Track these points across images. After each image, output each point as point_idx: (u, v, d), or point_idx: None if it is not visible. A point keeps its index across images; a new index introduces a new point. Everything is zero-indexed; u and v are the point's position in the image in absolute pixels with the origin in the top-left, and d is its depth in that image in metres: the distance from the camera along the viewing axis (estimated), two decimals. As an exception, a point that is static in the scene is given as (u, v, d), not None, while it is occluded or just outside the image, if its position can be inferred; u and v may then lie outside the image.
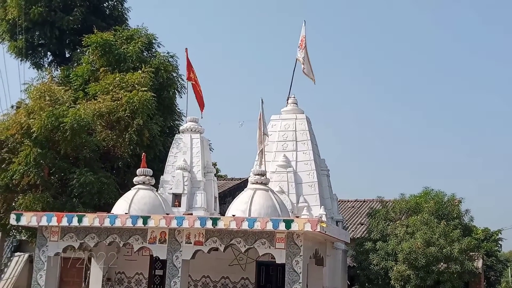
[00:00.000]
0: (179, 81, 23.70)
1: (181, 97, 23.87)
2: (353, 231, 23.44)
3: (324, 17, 68.26)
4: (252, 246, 14.50)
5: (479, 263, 20.13)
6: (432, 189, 20.70)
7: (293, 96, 20.39)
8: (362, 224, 24.18)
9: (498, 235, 28.21)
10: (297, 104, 20.24)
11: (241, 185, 25.95)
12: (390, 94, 68.61)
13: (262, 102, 17.76)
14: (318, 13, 67.38)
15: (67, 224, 15.16)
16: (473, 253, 19.40)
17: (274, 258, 14.44)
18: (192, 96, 20.08)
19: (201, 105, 20.03)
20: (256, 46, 71.82)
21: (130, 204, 16.11)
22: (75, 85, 22.44)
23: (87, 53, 23.05)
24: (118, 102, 20.24)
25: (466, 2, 68.41)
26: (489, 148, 65.78)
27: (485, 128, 67.11)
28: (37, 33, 25.48)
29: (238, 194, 16.92)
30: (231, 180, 30.46)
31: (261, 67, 69.14)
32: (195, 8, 71.56)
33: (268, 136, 18.61)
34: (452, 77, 69.22)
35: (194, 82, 19.96)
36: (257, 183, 16.19)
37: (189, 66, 19.82)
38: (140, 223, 14.71)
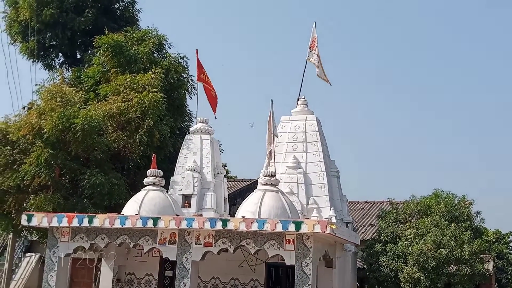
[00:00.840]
0: (189, 82, 23.81)
1: (192, 98, 23.99)
2: (363, 232, 23.38)
3: (334, 16, 68.13)
4: (261, 248, 14.50)
5: (490, 266, 20.02)
6: (443, 191, 20.58)
7: (303, 97, 20.38)
8: (372, 226, 24.11)
9: (509, 237, 28.03)
10: (307, 105, 20.23)
11: (251, 186, 25.97)
12: (401, 94, 68.36)
13: (272, 103, 17.78)
14: (328, 12, 67.22)
15: (77, 225, 15.25)
16: (484, 256, 19.30)
17: (284, 260, 14.44)
18: (203, 97, 20.15)
19: (214, 106, 20.05)
20: (266, 46, 71.83)
21: (140, 205, 16.20)
22: (86, 86, 22.56)
23: (98, 54, 23.15)
24: (129, 103, 20.32)
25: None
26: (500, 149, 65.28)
27: (494, 130, 66.68)
28: (48, 35, 25.62)
29: (248, 195, 16.95)
30: (241, 181, 30.50)
31: (272, 67, 69.14)
32: (205, 10, 71.71)
33: (278, 137, 18.60)
34: (464, 77, 68.83)
35: (205, 83, 19.98)
36: (266, 184, 16.20)
37: (200, 67, 19.88)
38: (150, 224, 14.77)
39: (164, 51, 24.14)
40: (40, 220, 15.48)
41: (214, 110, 20.11)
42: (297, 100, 20.37)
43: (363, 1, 64.26)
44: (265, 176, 16.36)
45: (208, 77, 20.07)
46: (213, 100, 20.14)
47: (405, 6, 67.72)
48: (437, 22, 68.27)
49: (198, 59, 19.83)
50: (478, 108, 65.21)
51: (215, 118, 19.92)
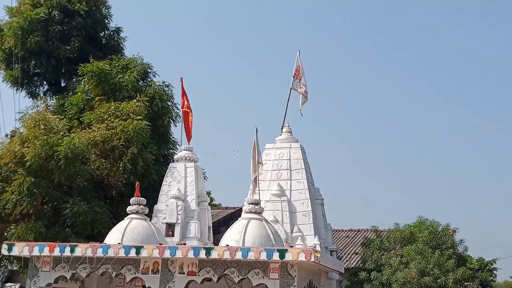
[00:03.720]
0: (174, 110, 23.84)
1: (176, 126, 24.01)
2: (347, 261, 23.29)
3: (318, 46, 69.07)
4: (246, 277, 14.38)
5: (474, 293, 19.98)
6: (427, 219, 20.67)
7: (287, 125, 20.47)
8: (356, 254, 24.03)
9: (492, 264, 28.07)
10: (291, 133, 20.31)
11: (235, 214, 25.84)
12: (382, 123, 69.16)
13: (257, 131, 17.80)
14: (313, 42, 68.17)
15: (59, 254, 15.02)
16: (468, 283, 19.26)
17: (268, 289, 14.32)
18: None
19: (189, 135, 19.94)
20: (251, 74, 72.46)
21: (123, 234, 16.02)
22: (70, 114, 22.52)
23: (82, 82, 23.17)
24: (113, 131, 20.28)
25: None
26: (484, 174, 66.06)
27: (481, 153, 67.49)
28: (33, 63, 25.62)
29: (232, 223, 16.85)
30: (225, 209, 30.35)
31: (256, 95, 69.72)
32: (190, 38, 72.34)
33: (262, 165, 18.61)
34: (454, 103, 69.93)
35: (187, 110, 19.91)
36: (251, 212, 16.13)
37: (184, 95, 19.92)
38: (133, 253, 14.60)
39: (149, 79, 24.22)
40: (21, 249, 15.25)
41: (188, 139, 19.96)
42: (281, 128, 20.48)
43: (341, 32, 65.24)
44: (249, 204, 16.31)
45: (189, 107, 19.94)
46: (189, 129, 20.05)
47: (384, 34, 68.83)
48: (417, 47, 69.36)
49: (182, 87, 19.90)
50: (464, 134, 65.98)
51: (187, 145, 19.74)
